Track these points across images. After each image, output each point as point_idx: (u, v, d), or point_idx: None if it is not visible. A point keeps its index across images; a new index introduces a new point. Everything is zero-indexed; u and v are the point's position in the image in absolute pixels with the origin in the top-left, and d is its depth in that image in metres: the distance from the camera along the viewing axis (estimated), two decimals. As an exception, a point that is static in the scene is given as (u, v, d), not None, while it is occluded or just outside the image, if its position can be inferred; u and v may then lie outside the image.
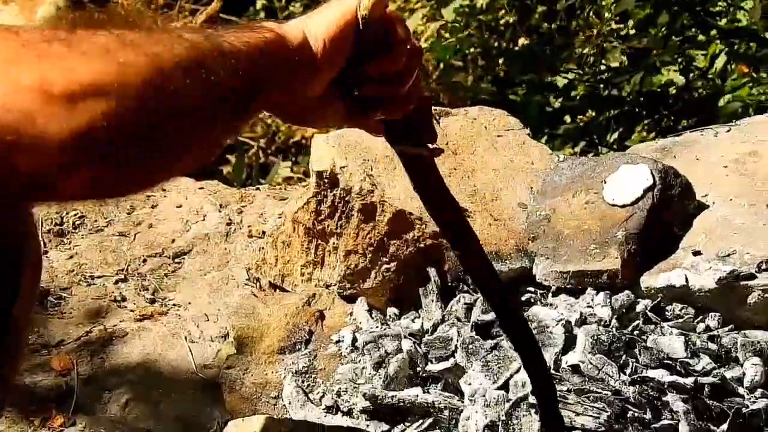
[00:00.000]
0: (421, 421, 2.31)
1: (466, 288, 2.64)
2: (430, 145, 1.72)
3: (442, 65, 5.11)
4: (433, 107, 1.75)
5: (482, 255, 1.91)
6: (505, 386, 2.33)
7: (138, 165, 1.19)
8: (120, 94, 1.10)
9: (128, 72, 1.13)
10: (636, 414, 2.18)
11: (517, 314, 2.02)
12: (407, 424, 2.29)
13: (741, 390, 2.29)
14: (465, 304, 2.57)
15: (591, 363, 2.31)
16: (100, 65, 1.11)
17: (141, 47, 1.18)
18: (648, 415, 2.18)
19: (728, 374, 2.32)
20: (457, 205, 1.90)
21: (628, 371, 2.29)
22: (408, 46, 1.59)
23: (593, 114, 4.42)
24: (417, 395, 2.36)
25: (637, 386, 2.23)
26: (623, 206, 2.57)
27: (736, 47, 4.71)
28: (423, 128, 1.71)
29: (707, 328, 2.46)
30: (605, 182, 2.63)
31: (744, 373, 2.33)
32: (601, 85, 4.82)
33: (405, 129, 1.67)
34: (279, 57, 1.44)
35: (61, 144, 1.05)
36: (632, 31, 5.10)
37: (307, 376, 2.56)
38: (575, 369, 2.31)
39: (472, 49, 5.11)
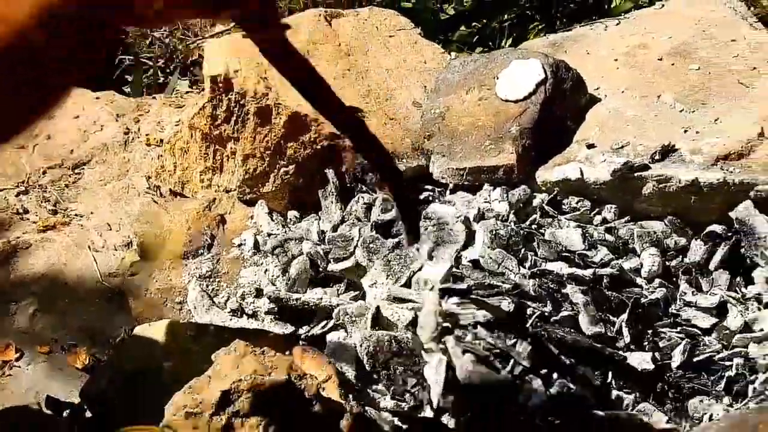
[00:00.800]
0: (325, 321, 2.33)
1: (364, 189, 2.66)
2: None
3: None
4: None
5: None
6: (407, 284, 2.35)
7: None
8: None
9: None
10: (533, 307, 2.21)
11: None
12: (312, 325, 2.32)
13: (639, 280, 2.35)
14: (364, 204, 2.59)
15: (491, 258, 2.33)
16: None
17: None
18: (548, 308, 2.21)
19: (626, 265, 2.37)
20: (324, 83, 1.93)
21: (527, 265, 2.33)
22: None
23: (486, 21, 4.43)
24: (321, 298, 2.37)
25: (537, 279, 2.27)
26: (516, 101, 2.59)
27: None
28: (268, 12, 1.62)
29: (604, 221, 2.51)
30: (497, 78, 2.65)
31: (642, 264, 2.38)
32: None
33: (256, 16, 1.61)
34: None
35: None
36: None
37: (211, 280, 2.56)
38: (475, 264, 2.34)
39: None
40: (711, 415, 2.09)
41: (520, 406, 2.03)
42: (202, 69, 2.86)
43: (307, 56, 2.45)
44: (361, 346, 2.16)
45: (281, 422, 1.82)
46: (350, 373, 2.13)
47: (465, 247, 2.39)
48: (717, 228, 2.42)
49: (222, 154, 2.81)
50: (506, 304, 2.17)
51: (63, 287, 2.64)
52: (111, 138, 3.08)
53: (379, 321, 2.26)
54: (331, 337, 2.27)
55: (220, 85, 2.73)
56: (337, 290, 2.45)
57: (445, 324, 2.17)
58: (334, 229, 2.59)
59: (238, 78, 2.72)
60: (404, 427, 2.03)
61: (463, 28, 4.07)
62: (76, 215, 2.87)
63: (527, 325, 2.17)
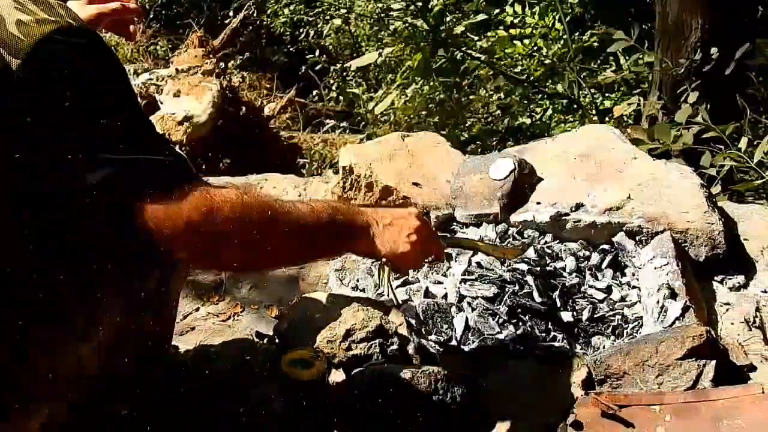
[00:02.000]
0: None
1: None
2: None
3: (412, 118, 5.24)
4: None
5: None
6: (444, 275, 2.39)
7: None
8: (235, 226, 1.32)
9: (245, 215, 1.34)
10: (508, 288, 2.23)
11: None
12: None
13: (564, 274, 2.37)
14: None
15: (487, 261, 2.36)
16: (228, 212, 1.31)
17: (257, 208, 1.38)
18: (516, 288, 2.23)
19: (557, 265, 2.40)
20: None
21: (505, 265, 2.33)
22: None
23: (486, 141, 4.55)
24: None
25: (511, 272, 2.30)
26: (500, 179, 2.61)
27: (557, 104, 4.82)
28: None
29: (545, 242, 2.51)
30: (490, 168, 2.66)
31: (566, 265, 2.39)
32: (489, 126, 4.97)
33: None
34: (349, 241, 1.66)
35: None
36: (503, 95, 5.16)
37: (341, 271, 2.51)
38: (479, 265, 2.36)
39: (423, 112, 5.23)
40: (604, 346, 2.10)
41: (501, 341, 2.09)
42: (339, 163, 2.89)
43: (392, 157, 2.60)
44: (418, 306, 2.19)
45: (378, 346, 1.87)
46: (413, 320, 2.12)
47: (473, 255, 2.40)
48: (606, 246, 2.44)
49: (347, 207, 2.85)
50: (494, 288, 2.24)
51: (266, 276, 2.56)
52: (292, 197, 2.92)
53: (427, 294, 2.31)
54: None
55: (347, 171, 2.79)
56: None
57: (462, 295, 2.25)
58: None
59: (356, 167, 2.78)
60: (440, 349, 2.02)
61: (472, 146, 4.17)
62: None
63: (505, 297, 2.20)
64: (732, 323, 2.22)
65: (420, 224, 1.75)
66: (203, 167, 4.75)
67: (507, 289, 2.25)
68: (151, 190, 1.25)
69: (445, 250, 2.01)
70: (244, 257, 1.41)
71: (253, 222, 1.37)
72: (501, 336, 2.12)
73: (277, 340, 2.10)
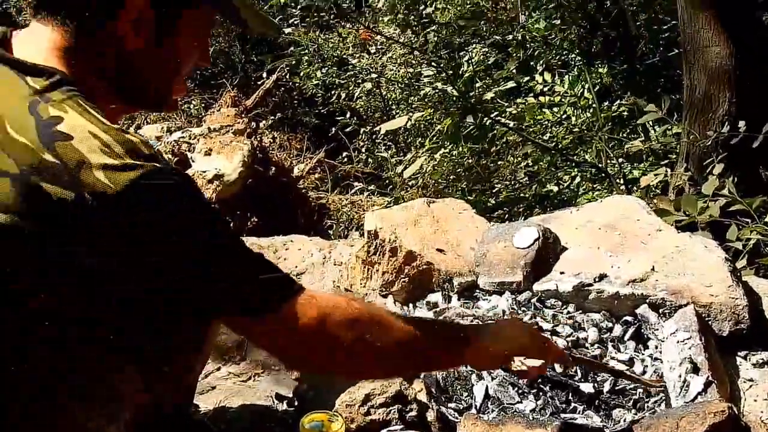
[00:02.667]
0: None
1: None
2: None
3: (439, 182, 5.29)
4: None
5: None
6: None
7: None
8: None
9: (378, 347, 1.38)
10: None
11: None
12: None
13: (587, 344, 2.35)
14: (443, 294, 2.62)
15: None
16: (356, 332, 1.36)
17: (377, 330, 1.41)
18: None
19: (580, 335, 2.38)
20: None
21: None
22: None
23: (512, 207, 4.56)
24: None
25: None
26: (524, 248, 2.62)
27: (584, 172, 4.84)
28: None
29: (568, 312, 2.49)
30: (514, 236, 2.66)
31: (588, 336, 2.38)
32: (516, 192, 4.99)
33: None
34: (458, 353, 1.62)
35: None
36: (531, 162, 5.18)
37: None
38: None
39: (451, 176, 5.26)
40: (625, 419, 2.06)
41: (521, 411, 2.06)
42: (364, 227, 2.91)
43: (417, 223, 2.58)
44: (438, 373, 2.18)
45: (397, 412, 1.90)
46: (433, 387, 2.12)
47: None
48: (629, 318, 2.42)
49: (371, 270, 2.80)
50: None
51: None
52: (316, 260, 3.05)
53: None
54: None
55: (372, 235, 2.80)
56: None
57: None
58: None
59: (380, 232, 2.78)
60: (459, 417, 2.00)
61: (498, 212, 4.16)
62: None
63: None
64: (755, 400, 2.19)
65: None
66: (231, 226, 4.77)
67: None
68: (261, 305, 1.31)
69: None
70: (352, 362, 1.44)
71: (364, 327, 1.40)
72: (521, 406, 2.10)
73: (296, 403, 2.11)
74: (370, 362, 1.45)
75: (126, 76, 1.38)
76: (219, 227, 1.32)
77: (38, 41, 1.32)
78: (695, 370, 2.14)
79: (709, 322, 2.38)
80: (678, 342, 2.25)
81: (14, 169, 1.16)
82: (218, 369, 2.42)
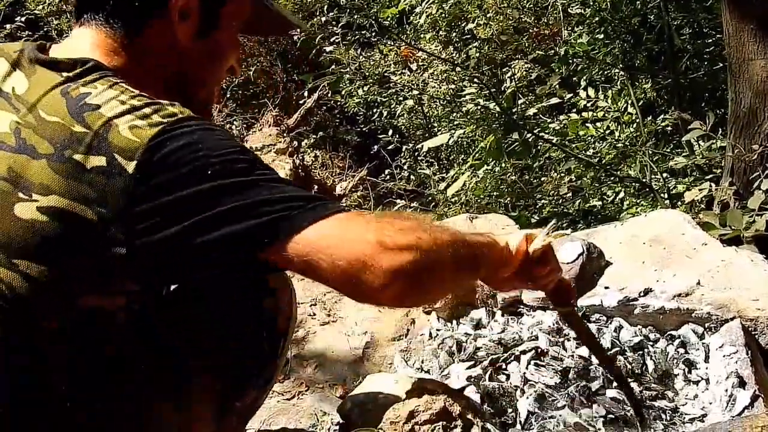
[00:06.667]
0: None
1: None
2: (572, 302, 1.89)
3: (482, 199, 5.31)
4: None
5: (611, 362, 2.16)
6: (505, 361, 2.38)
7: (419, 293, 1.28)
8: (418, 253, 1.20)
9: (423, 242, 1.22)
10: (573, 374, 2.25)
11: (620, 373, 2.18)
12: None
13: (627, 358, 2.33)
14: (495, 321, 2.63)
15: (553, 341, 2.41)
16: (410, 236, 1.22)
17: (429, 230, 1.28)
18: (581, 372, 2.25)
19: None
20: (599, 345, 2.16)
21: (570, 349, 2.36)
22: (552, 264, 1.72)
23: (556, 222, 4.58)
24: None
25: (577, 358, 2.32)
26: (568, 263, 2.61)
27: (628, 187, 4.83)
28: (566, 295, 1.84)
29: (615, 328, 2.49)
30: (559, 250, 2.31)
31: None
32: (560, 208, 4.99)
33: (556, 294, 1.82)
34: (494, 251, 1.51)
35: (386, 272, 1.17)
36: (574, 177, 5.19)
37: (406, 352, 2.55)
38: (545, 353, 2.36)
39: (494, 193, 5.28)
40: None
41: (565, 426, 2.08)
42: None
43: None
44: (483, 389, 2.21)
45: (442, 429, 1.87)
46: (477, 403, 2.13)
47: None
48: (674, 332, 2.43)
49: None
50: (557, 377, 2.25)
51: (332, 356, 2.68)
52: None
53: (491, 378, 2.29)
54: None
55: None
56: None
57: (527, 379, 2.26)
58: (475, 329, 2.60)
59: None
60: None
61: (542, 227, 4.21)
62: (339, 317, 2.88)
63: (570, 385, 2.21)
64: (802, 414, 2.06)
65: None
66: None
67: (571, 376, 2.26)
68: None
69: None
70: (424, 260, 1.29)
71: (419, 227, 1.32)
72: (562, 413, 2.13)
73: (341, 420, 2.12)
74: (437, 260, 1.30)
75: (175, 74, 1.39)
76: (253, 156, 1.28)
77: (78, 43, 1.34)
78: (741, 384, 2.14)
79: (756, 336, 2.37)
80: (724, 356, 2.26)
81: (50, 150, 1.16)
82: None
